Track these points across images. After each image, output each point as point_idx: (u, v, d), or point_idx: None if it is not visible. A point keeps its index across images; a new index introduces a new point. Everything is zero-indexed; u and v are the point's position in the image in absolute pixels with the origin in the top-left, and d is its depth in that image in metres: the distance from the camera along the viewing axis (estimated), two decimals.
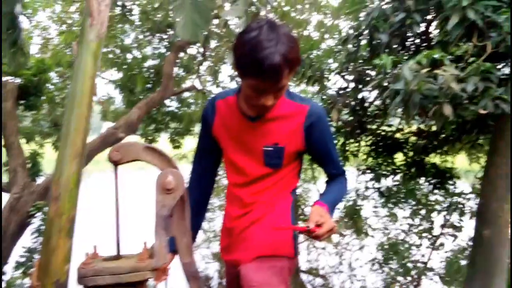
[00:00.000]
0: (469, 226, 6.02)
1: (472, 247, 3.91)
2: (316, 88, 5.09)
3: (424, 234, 6.55)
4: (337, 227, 1.31)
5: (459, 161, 6.57)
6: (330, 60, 5.28)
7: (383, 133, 5.44)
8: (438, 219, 6.61)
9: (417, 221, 6.65)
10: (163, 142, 9.22)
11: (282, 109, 1.44)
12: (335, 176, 1.64)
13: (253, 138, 1.47)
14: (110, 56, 7.89)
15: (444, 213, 6.51)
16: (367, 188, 6.38)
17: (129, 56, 8.14)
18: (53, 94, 7.61)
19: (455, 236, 6.32)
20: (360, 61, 4.22)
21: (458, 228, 6.36)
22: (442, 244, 6.48)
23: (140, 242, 1.19)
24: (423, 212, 6.55)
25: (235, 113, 1.48)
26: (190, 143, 8.70)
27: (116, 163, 1.16)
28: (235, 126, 1.49)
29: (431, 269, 6.39)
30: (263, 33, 1.18)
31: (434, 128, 4.95)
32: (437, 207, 6.53)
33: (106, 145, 6.37)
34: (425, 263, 6.35)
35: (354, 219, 6.70)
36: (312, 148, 1.53)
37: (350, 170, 7.03)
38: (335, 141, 1.70)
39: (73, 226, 1.83)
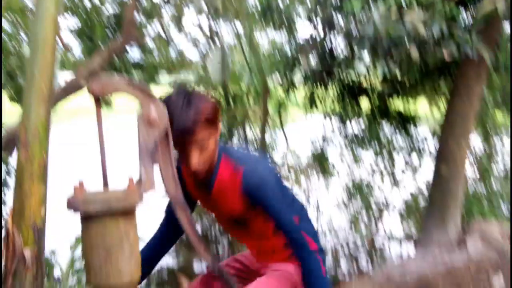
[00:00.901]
0: (428, 168, 6.43)
1: (431, 184, 4.21)
2: (284, 35, 5.06)
3: (386, 175, 6.93)
4: None
5: (421, 106, 6.85)
6: (298, 5, 5.22)
7: (350, 80, 5.56)
8: (399, 161, 6.99)
9: (380, 163, 7.01)
10: None
11: (222, 174, 1.42)
12: (293, 243, 1.40)
13: (215, 206, 1.50)
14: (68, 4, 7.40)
15: (405, 155, 6.90)
16: (333, 132, 6.61)
17: (87, 3, 7.67)
18: (6, 42, 7.14)
19: (415, 177, 6.76)
20: (329, 6, 4.20)
21: (417, 169, 6.78)
22: (402, 185, 6.90)
23: (125, 178, 1.17)
24: (385, 154, 6.90)
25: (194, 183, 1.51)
26: (154, 92, 8.52)
27: (96, 96, 1.14)
28: (197, 193, 1.53)
29: (392, 208, 6.84)
30: (173, 103, 1.26)
31: (398, 74, 5.10)
32: (399, 149, 6.89)
33: (67, 94, 6.17)
34: (387, 202, 6.78)
35: (321, 163, 6.97)
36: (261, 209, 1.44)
37: (318, 117, 7.22)
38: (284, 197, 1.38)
39: (46, 172, 1.84)
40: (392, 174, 6.89)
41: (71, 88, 6.24)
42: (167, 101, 1.31)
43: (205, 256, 0.98)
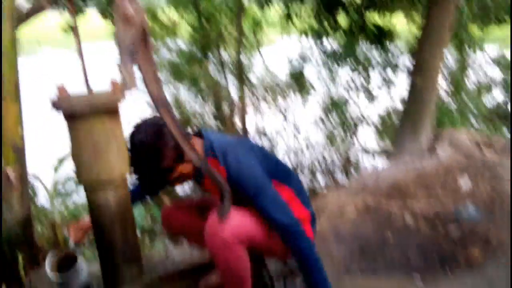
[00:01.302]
0: (403, 84, 6.54)
1: (407, 97, 4.31)
2: None
3: (362, 91, 7.02)
4: None
5: (397, 23, 6.77)
6: None
7: None
8: (375, 77, 7.05)
9: (356, 79, 7.05)
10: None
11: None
12: (279, 229, 1.32)
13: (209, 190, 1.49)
14: None
15: (381, 71, 6.94)
16: (310, 49, 6.54)
17: None
18: None
19: (390, 93, 6.87)
20: None
21: (392, 85, 6.88)
22: (378, 100, 7.03)
23: (107, 83, 1.15)
24: (362, 71, 6.92)
25: None
26: None
27: None
28: None
29: (368, 122, 7.03)
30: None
31: None
32: (375, 65, 6.91)
33: (32, 15, 5.85)
34: (363, 117, 6.96)
35: (298, 81, 6.98)
36: None
37: (294, 37, 7.07)
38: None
39: (18, 90, 1.81)
40: (368, 90, 6.99)
41: (35, 10, 5.89)
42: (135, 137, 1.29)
43: (191, 154, 1.01)
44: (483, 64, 7.09)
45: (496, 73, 7.16)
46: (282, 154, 7.08)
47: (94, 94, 0.94)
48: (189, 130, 1.39)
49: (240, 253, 1.21)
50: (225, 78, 7.92)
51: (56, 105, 0.91)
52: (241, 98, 7.82)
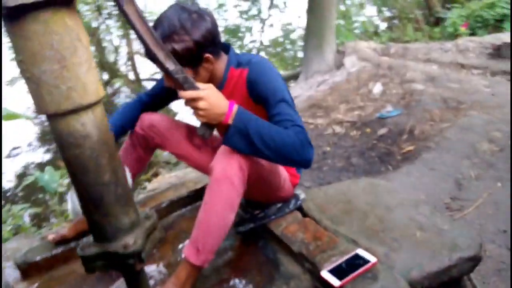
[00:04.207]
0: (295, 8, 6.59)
1: (307, 12, 4.31)
2: None
3: (255, 18, 6.95)
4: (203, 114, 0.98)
5: None
6: None
7: None
8: (265, 2, 6.99)
9: (246, 7, 6.93)
10: None
11: (229, 83, 1.27)
12: (299, 138, 1.10)
13: None
14: None
15: None
16: None
17: None
18: None
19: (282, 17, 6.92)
20: None
21: (284, 8, 6.91)
22: (271, 25, 7.04)
23: None
24: None
25: None
26: None
27: None
28: None
29: (265, 48, 7.05)
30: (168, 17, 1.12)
31: None
32: None
33: None
34: (261, 42, 6.95)
35: None
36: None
37: None
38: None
39: None
40: (259, 16, 6.94)
41: None
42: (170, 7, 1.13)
43: (164, 59, 0.79)
44: None
45: None
46: None
47: None
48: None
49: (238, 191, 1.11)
50: None
51: None
52: None
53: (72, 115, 0.69)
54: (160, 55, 0.79)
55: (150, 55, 0.80)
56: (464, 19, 5.30)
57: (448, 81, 3.16)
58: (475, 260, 1.19)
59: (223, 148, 1.11)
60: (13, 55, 0.68)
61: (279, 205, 1.39)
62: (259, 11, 7.00)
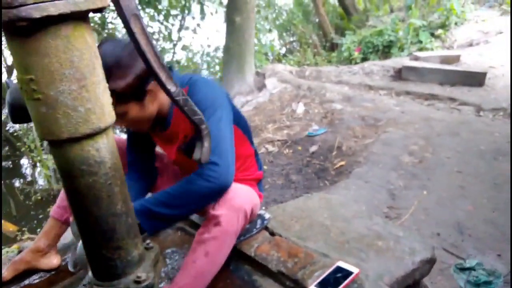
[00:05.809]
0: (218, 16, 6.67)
1: (226, 34, 4.39)
2: None
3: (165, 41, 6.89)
4: None
5: None
6: None
7: None
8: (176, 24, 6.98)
9: (157, 28, 6.85)
10: None
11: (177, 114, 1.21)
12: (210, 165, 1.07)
13: (170, 139, 1.28)
14: None
15: (180, 17, 6.90)
16: None
17: None
18: None
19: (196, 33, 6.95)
20: None
21: (196, 30, 6.95)
22: (184, 47, 7.02)
23: None
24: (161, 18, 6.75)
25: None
26: None
27: None
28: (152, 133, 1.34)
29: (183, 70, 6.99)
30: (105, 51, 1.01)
31: None
32: (173, 12, 6.82)
33: None
34: (178, 63, 6.88)
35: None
36: None
37: None
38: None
39: None
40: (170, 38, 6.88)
41: None
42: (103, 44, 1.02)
43: (165, 80, 0.73)
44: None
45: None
46: None
47: None
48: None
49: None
50: None
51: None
52: None
53: (87, 139, 0.60)
54: (162, 76, 0.76)
55: (152, 74, 0.76)
56: (356, 44, 5.87)
57: (363, 100, 3.45)
58: (431, 262, 1.30)
59: (232, 193, 1.10)
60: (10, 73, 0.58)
61: (246, 226, 1.38)
62: (170, 33, 6.94)
